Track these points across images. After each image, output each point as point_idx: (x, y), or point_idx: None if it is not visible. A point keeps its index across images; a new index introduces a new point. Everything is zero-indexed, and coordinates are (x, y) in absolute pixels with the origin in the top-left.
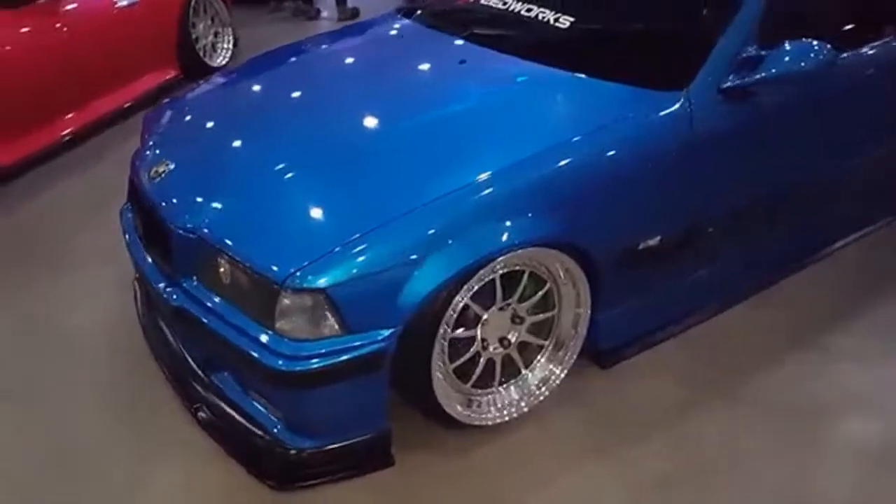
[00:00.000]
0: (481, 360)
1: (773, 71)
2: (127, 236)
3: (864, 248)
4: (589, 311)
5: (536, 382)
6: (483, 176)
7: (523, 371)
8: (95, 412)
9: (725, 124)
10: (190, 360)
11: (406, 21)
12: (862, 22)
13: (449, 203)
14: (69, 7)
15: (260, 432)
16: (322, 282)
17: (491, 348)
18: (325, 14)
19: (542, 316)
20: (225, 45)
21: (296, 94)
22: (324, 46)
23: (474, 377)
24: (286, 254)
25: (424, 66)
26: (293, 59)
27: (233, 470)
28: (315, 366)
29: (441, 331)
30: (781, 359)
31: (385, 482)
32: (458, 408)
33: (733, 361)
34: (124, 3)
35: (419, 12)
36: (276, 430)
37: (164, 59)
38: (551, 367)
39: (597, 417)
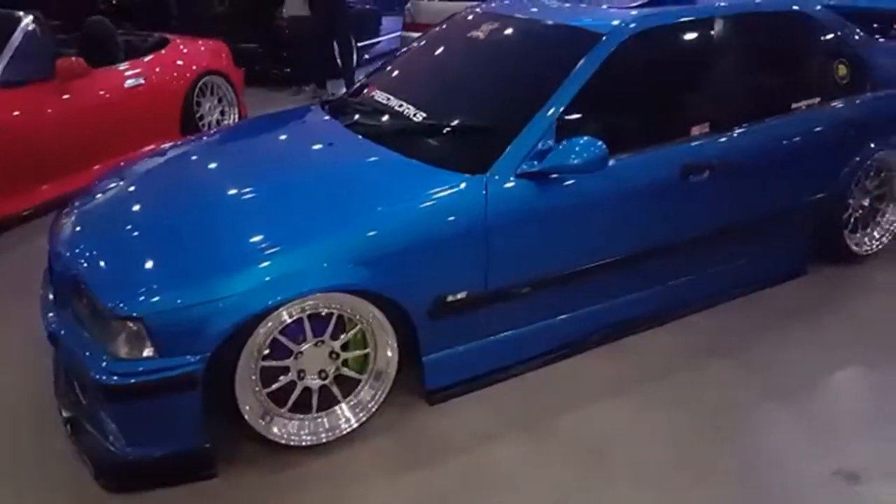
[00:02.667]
0: (297, 388)
1: (556, 161)
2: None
3: (714, 315)
4: (396, 353)
5: (347, 415)
6: (298, 230)
7: (341, 402)
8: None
9: (521, 203)
10: (68, 379)
11: (317, 109)
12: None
13: (258, 252)
14: (78, 86)
15: (105, 442)
16: (139, 311)
17: (308, 379)
18: (340, 96)
19: (357, 353)
20: (229, 122)
21: (192, 166)
22: (243, 128)
23: (290, 403)
24: (118, 288)
25: (302, 146)
26: (213, 137)
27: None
28: (134, 382)
29: (249, 359)
30: (601, 403)
31: (209, 490)
32: (262, 423)
33: (555, 404)
34: (131, 83)
35: (328, 103)
36: (113, 440)
37: (167, 134)
38: (364, 402)
39: (409, 445)
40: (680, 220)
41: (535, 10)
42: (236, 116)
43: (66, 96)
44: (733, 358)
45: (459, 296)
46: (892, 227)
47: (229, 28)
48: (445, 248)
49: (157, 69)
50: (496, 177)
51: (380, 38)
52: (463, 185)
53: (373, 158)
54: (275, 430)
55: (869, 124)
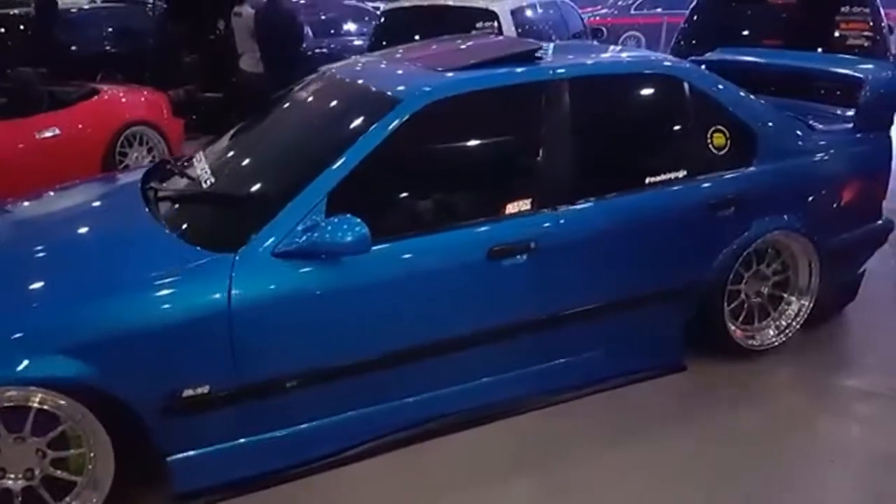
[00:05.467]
0: None
1: (315, 240)
2: None
3: (545, 417)
4: (112, 455)
5: None
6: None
7: None
8: None
9: (277, 286)
10: None
11: (130, 176)
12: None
13: None
14: None
15: None
16: None
17: (8, 479)
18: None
19: (70, 452)
20: None
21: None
22: (67, 188)
23: None
24: None
25: (81, 211)
26: (32, 198)
27: None
28: None
29: None
30: None
31: None
32: None
33: None
34: (44, 134)
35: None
36: None
37: None
38: None
39: None
40: (492, 307)
41: (362, 72)
42: None
43: None
44: (545, 475)
45: (200, 390)
46: (793, 323)
47: (196, 78)
48: (178, 336)
49: (75, 120)
50: (248, 255)
51: None
52: (204, 264)
53: (130, 229)
54: None
55: (755, 200)
